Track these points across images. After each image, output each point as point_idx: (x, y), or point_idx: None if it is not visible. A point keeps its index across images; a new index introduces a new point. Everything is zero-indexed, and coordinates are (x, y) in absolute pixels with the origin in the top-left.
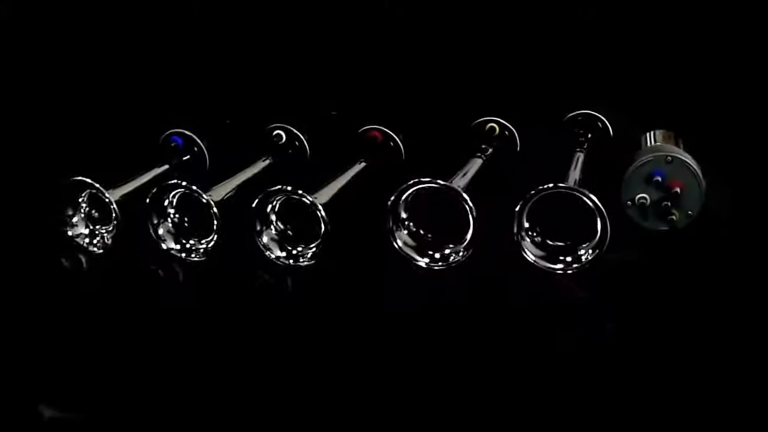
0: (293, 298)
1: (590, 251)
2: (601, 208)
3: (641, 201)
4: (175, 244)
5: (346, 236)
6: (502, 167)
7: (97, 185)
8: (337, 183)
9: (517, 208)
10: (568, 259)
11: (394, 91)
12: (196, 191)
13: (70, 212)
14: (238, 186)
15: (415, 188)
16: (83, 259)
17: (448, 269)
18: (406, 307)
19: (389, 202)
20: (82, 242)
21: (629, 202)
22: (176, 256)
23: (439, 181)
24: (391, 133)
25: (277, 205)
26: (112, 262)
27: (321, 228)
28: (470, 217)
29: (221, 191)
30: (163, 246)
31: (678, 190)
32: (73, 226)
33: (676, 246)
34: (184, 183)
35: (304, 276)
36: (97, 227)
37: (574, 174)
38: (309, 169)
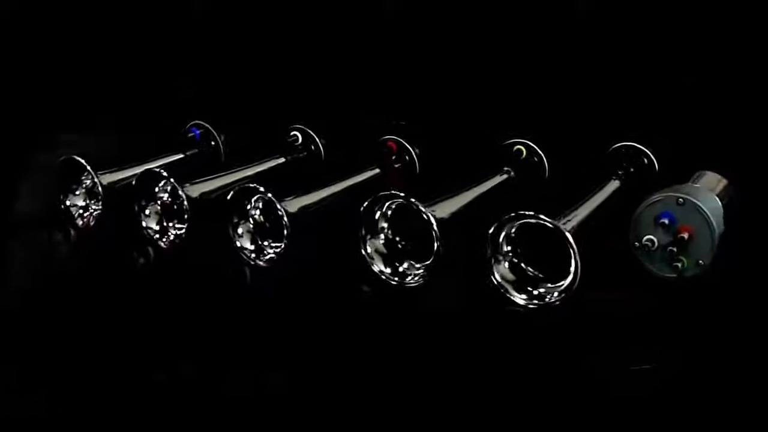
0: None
1: (555, 293)
2: (574, 247)
3: (646, 243)
4: (156, 225)
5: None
6: (523, 190)
7: (89, 167)
8: (321, 192)
9: (491, 231)
10: (535, 292)
11: (428, 103)
12: (175, 185)
13: (74, 185)
14: (228, 184)
15: (389, 201)
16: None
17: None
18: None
19: (361, 209)
20: (74, 213)
21: (636, 243)
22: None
23: (412, 199)
24: (407, 145)
25: (260, 204)
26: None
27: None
28: (435, 244)
29: (201, 187)
30: (143, 224)
31: (685, 235)
32: (73, 197)
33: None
34: (165, 173)
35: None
36: (92, 203)
37: (584, 206)
38: (321, 171)
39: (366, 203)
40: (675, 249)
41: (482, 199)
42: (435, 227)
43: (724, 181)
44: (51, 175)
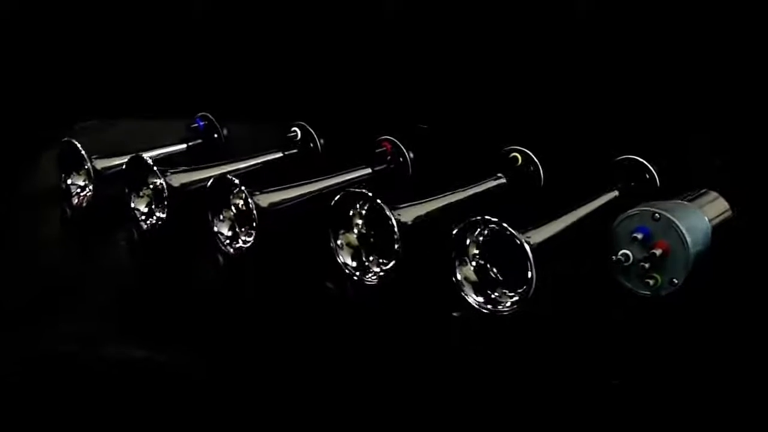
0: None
1: (508, 303)
2: (531, 260)
3: (620, 257)
4: (145, 207)
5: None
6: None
7: (83, 152)
8: (299, 189)
9: (454, 232)
10: (492, 296)
11: (429, 107)
12: (157, 173)
13: (77, 166)
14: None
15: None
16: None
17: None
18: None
19: (332, 203)
20: (73, 190)
21: (613, 257)
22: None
23: (379, 200)
24: (402, 147)
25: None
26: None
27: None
28: (396, 245)
29: (181, 178)
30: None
31: (658, 252)
32: (75, 176)
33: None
34: (150, 161)
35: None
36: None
37: (562, 219)
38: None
39: (337, 197)
40: (647, 265)
41: (462, 204)
42: (396, 229)
43: (723, 203)
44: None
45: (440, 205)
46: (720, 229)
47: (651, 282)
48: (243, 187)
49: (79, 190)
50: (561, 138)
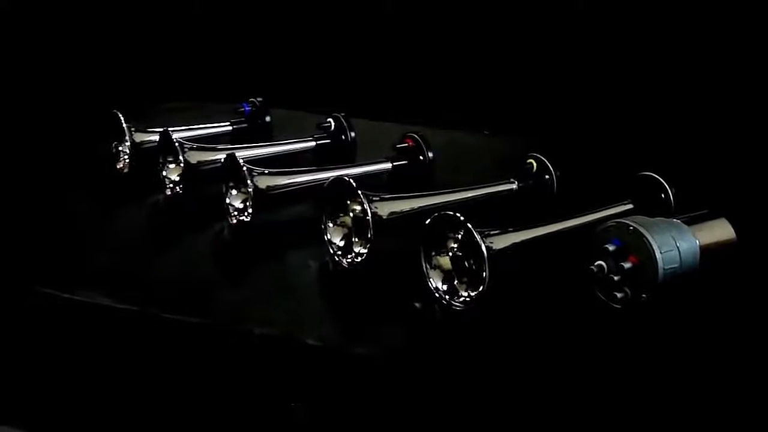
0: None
1: (464, 296)
2: (485, 261)
3: (593, 268)
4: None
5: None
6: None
7: (125, 125)
8: (299, 176)
9: (426, 222)
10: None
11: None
12: (178, 149)
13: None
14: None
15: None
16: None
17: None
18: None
19: (325, 185)
20: (120, 155)
21: (590, 267)
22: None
23: (359, 191)
24: (424, 146)
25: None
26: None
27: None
28: (369, 233)
29: (198, 156)
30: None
31: (627, 265)
32: (123, 144)
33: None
34: (174, 138)
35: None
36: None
37: (542, 228)
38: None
39: (329, 181)
40: (617, 278)
41: (454, 204)
42: (370, 221)
43: (727, 228)
44: None
45: (421, 204)
46: (717, 254)
47: (620, 295)
48: (244, 167)
49: (125, 157)
50: (584, 149)
